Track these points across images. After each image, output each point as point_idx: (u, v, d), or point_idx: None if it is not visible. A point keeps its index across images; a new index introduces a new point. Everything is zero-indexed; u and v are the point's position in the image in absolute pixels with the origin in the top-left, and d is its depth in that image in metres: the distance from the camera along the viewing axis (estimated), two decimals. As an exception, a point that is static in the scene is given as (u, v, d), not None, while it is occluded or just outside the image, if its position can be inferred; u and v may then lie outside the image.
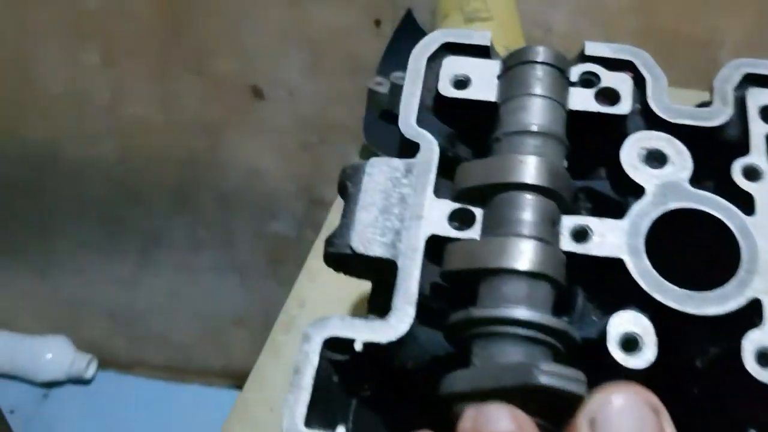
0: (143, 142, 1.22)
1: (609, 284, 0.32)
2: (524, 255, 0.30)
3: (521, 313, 0.29)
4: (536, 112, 0.35)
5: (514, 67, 0.37)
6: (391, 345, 0.30)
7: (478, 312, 0.29)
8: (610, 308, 0.31)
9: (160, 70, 1.13)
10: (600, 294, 0.33)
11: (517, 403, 0.26)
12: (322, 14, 1.01)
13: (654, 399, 0.25)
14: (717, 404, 0.32)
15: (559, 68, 0.36)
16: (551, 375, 0.25)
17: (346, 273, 0.35)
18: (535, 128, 0.34)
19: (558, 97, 0.35)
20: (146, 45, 1.10)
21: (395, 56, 0.88)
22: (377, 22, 0.97)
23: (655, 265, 0.32)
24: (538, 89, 0.35)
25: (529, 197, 0.32)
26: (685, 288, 0.31)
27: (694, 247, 0.33)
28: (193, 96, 1.14)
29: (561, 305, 0.32)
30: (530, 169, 0.32)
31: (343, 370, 0.30)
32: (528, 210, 0.32)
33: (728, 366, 0.30)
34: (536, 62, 0.36)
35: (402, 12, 0.93)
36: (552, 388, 0.25)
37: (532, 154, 0.33)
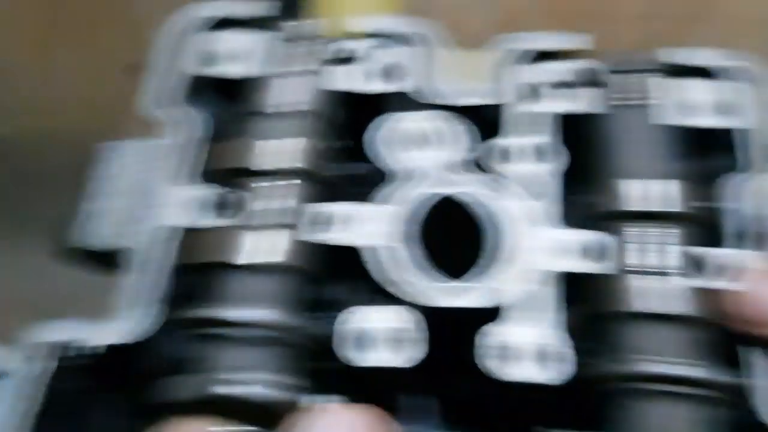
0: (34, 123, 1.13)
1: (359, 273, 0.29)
2: (245, 247, 0.27)
3: (236, 313, 0.25)
4: (293, 91, 0.31)
5: (278, 41, 0.33)
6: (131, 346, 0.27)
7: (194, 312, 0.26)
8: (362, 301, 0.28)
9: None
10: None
11: (213, 411, 0.22)
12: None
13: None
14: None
15: (319, 44, 0.33)
16: (229, 384, 0.22)
17: (86, 267, 0.31)
18: (288, 108, 0.31)
19: (316, 76, 0.32)
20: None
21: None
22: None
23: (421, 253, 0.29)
24: (297, 66, 0.32)
25: (269, 184, 0.29)
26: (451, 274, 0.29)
27: (458, 234, 0.31)
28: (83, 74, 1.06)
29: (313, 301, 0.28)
30: (272, 152, 0.29)
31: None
32: (267, 198, 0.29)
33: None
34: (299, 38, 0.33)
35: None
36: (231, 397, 0.22)
37: (285, 136, 0.30)
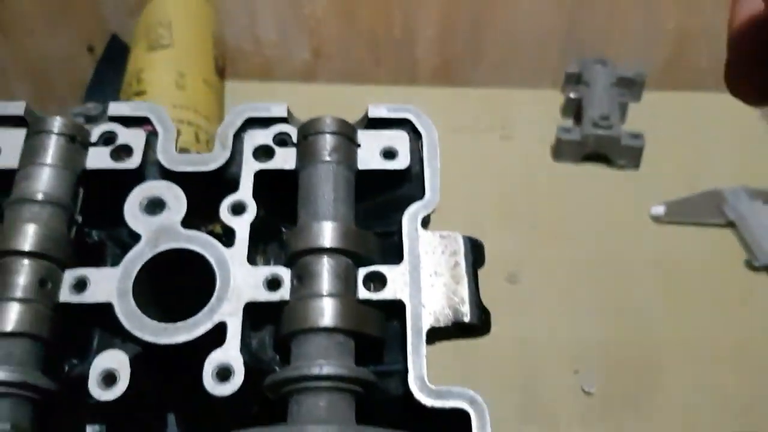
0: None
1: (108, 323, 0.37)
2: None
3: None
4: (39, 180, 0.39)
5: (33, 135, 0.41)
6: None
7: None
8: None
9: None
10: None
11: None
12: (37, 45, 1.00)
13: None
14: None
15: (71, 136, 0.41)
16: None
17: None
18: (37, 196, 0.38)
19: (65, 163, 0.40)
20: None
21: (104, 76, 0.90)
22: (90, 49, 0.98)
23: (153, 302, 0.37)
24: (45, 158, 0.40)
25: (24, 262, 0.37)
26: (179, 320, 0.37)
27: (189, 281, 0.39)
28: None
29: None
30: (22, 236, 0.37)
31: None
32: (20, 274, 0.36)
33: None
34: (51, 132, 0.40)
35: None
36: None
37: (30, 222, 0.37)
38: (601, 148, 0.91)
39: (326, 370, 0.33)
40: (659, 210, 0.84)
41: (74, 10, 0.96)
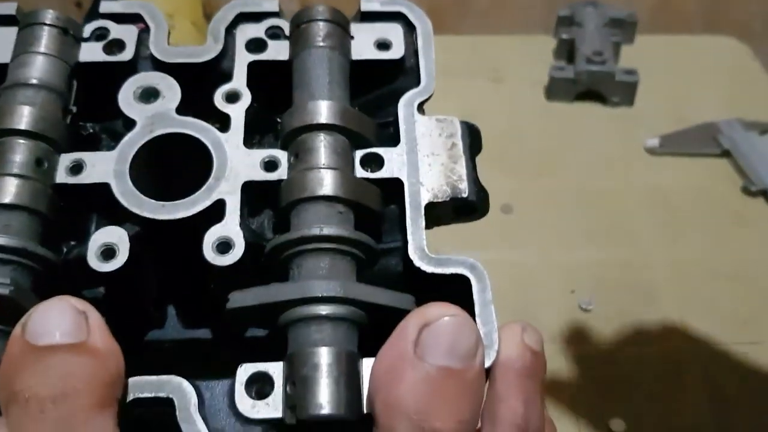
0: None
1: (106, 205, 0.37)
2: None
3: None
4: (33, 67, 0.39)
5: (25, 27, 0.40)
6: None
7: None
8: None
9: None
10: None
11: None
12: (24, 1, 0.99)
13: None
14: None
15: (64, 28, 0.40)
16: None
17: None
18: (31, 81, 0.38)
19: (59, 53, 0.40)
20: None
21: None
22: (78, 4, 0.97)
23: (149, 189, 0.37)
24: (38, 47, 0.39)
25: (20, 141, 0.36)
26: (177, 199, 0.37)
27: (185, 169, 0.39)
28: None
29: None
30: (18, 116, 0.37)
31: None
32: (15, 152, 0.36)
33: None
34: (44, 24, 0.40)
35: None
36: None
37: (24, 104, 0.37)
38: (594, 85, 0.91)
39: (327, 231, 0.34)
40: (654, 142, 0.84)
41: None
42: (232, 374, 0.32)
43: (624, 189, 0.81)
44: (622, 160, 0.84)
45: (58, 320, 0.30)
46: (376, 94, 0.44)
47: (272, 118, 0.42)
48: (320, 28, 0.41)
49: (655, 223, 0.76)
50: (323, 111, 0.38)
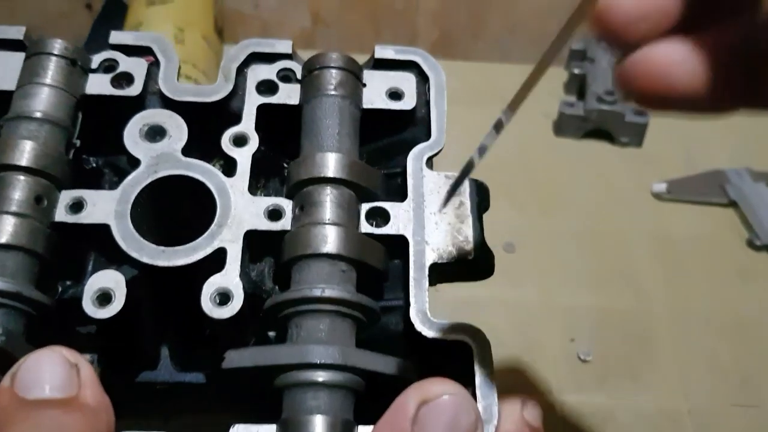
0: None
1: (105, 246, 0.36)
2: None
3: None
4: (37, 99, 0.38)
5: (32, 56, 0.40)
6: None
7: None
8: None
9: None
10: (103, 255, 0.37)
11: None
12: (32, 1, 0.99)
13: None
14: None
15: (72, 59, 0.40)
16: None
17: None
18: (35, 114, 0.38)
19: (65, 85, 0.39)
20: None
21: (101, 33, 0.89)
22: (88, 6, 0.97)
23: (150, 232, 0.36)
24: (45, 78, 0.39)
25: (20, 178, 0.36)
26: (180, 244, 0.36)
27: (187, 213, 0.38)
28: None
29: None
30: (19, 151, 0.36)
31: None
32: (15, 189, 0.35)
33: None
34: (51, 54, 0.39)
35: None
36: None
37: (27, 138, 0.37)
38: (604, 124, 0.90)
39: (328, 292, 0.33)
40: (661, 187, 0.83)
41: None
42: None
43: (628, 233, 0.80)
44: (628, 202, 0.83)
45: (49, 373, 0.29)
46: (385, 143, 0.43)
47: (279, 161, 0.41)
48: (333, 76, 0.40)
49: (658, 271, 0.75)
50: (331, 164, 0.37)
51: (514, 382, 0.64)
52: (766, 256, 0.77)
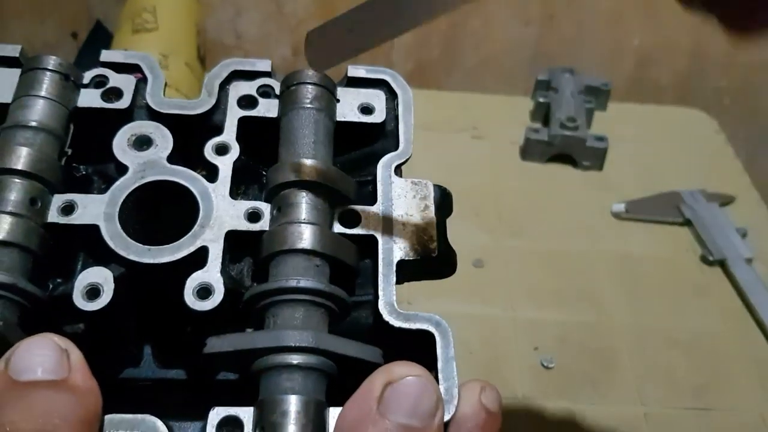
0: None
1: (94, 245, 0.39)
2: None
3: None
4: (33, 110, 0.41)
5: (28, 71, 0.43)
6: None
7: None
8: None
9: None
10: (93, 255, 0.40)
11: None
12: (23, 29, 1.02)
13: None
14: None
15: (65, 74, 0.43)
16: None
17: None
18: (31, 123, 0.40)
19: (58, 98, 0.42)
20: None
21: (87, 61, 0.92)
22: (74, 35, 1.00)
23: (137, 232, 0.39)
24: (39, 91, 0.42)
25: (16, 181, 0.38)
26: (162, 244, 0.39)
27: (172, 217, 0.41)
28: None
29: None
30: (15, 156, 0.39)
31: None
32: (11, 191, 0.38)
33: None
34: (46, 69, 0.42)
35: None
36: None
37: (23, 145, 0.39)
38: (567, 149, 0.95)
39: (303, 283, 0.36)
40: (620, 207, 0.88)
41: (60, -4, 0.98)
42: (204, 416, 0.34)
43: (590, 252, 0.84)
44: (589, 223, 0.88)
45: (41, 357, 0.31)
46: (357, 154, 0.46)
47: (258, 169, 0.45)
48: (309, 91, 0.44)
49: (619, 288, 0.79)
50: (306, 169, 0.40)
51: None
52: (719, 272, 0.82)
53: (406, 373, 0.32)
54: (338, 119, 0.45)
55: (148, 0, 0.87)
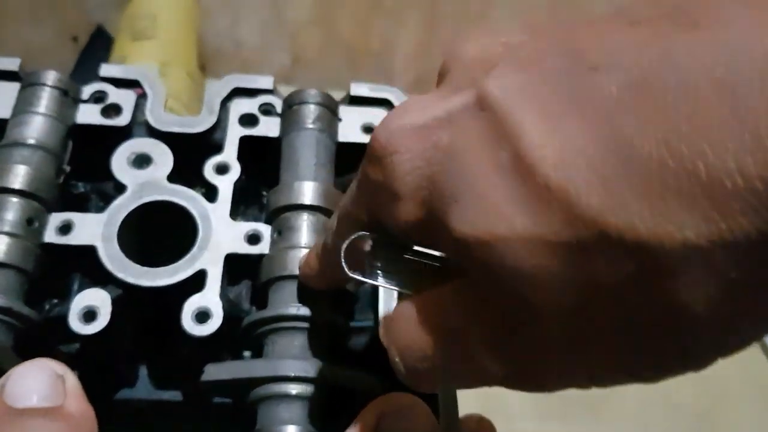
0: None
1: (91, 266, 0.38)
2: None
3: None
4: (31, 127, 0.40)
5: (27, 87, 0.42)
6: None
7: None
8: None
9: None
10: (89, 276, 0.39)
11: None
12: (22, 33, 1.01)
13: None
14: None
15: (64, 90, 0.42)
16: None
17: None
18: (29, 141, 0.40)
19: (57, 115, 0.41)
20: None
21: (87, 65, 0.92)
22: (74, 39, 0.99)
23: (135, 253, 0.39)
24: (38, 107, 0.41)
25: (13, 200, 0.38)
26: (161, 266, 0.38)
27: (171, 236, 0.40)
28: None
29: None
30: (13, 175, 0.38)
31: None
32: (8, 211, 0.37)
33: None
34: (45, 85, 0.42)
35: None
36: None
37: (20, 163, 0.39)
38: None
39: (303, 311, 0.35)
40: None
41: (61, 0, 0.97)
42: None
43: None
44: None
45: (37, 383, 0.31)
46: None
47: (258, 189, 0.44)
48: (311, 111, 0.43)
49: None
50: (308, 192, 0.40)
51: (480, 410, 0.66)
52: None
53: (399, 404, 0.32)
54: (340, 140, 0.44)
55: (148, 8, 0.87)
